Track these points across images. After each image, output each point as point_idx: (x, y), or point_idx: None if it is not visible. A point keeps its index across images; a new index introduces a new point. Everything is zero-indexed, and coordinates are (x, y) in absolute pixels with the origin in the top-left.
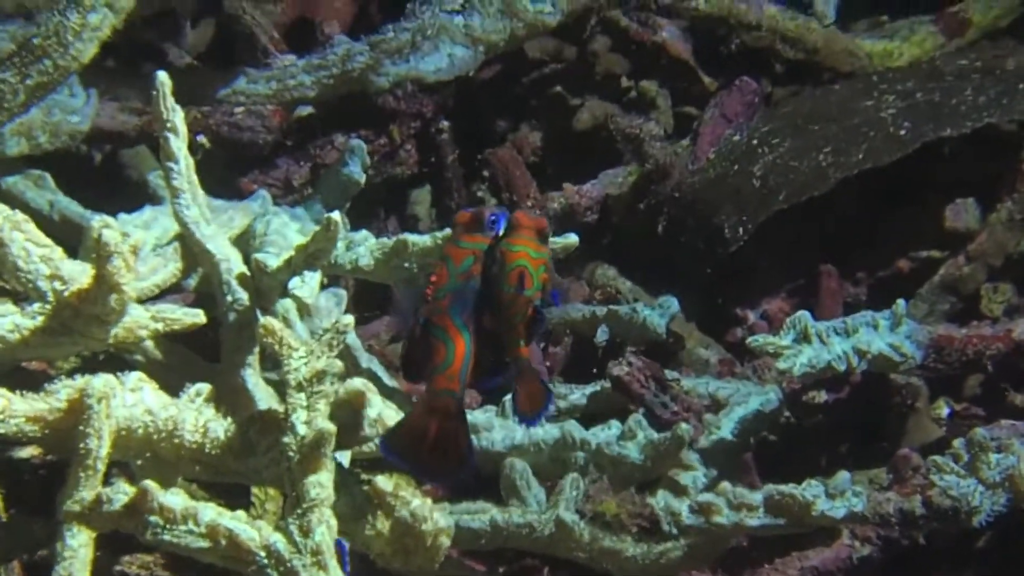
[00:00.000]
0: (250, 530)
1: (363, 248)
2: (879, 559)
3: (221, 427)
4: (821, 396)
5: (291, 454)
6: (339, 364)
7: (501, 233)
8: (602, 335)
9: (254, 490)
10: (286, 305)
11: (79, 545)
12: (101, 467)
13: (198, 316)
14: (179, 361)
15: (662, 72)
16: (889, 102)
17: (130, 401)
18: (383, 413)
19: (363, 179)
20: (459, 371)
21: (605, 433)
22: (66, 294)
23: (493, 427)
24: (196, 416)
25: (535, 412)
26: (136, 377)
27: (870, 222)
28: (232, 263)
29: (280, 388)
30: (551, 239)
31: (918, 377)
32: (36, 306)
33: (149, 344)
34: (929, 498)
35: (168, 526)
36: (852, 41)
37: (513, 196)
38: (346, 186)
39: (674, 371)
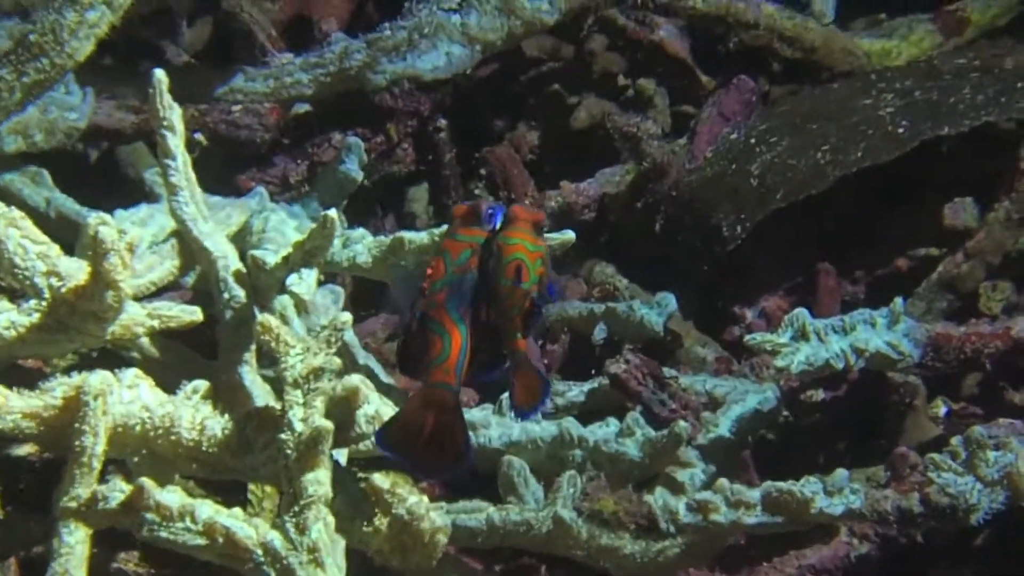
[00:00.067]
0: (247, 528)
1: (360, 246)
2: (877, 557)
3: (218, 424)
4: (819, 394)
5: (288, 451)
6: (336, 361)
7: (498, 226)
8: (600, 333)
9: (251, 487)
10: (283, 302)
11: (75, 542)
12: (97, 464)
13: (195, 313)
14: (176, 358)
15: (659, 71)
16: (887, 101)
17: (127, 398)
18: (380, 410)
19: (360, 177)
20: (455, 364)
21: (603, 430)
22: (63, 291)
23: (490, 424)
24: (193, 413)
25: (532, 405)
26: (133, 374)
27: (868, 220)
28: (229, 260)
29: (277, 385)
30: (548, 236)
31: (916, 375)
32: (32, 303)
33: (146, 341)
34: (927, 496)
35: (165, 523)
36: (850, 40)
37: (511, 194)
38: (343, 184)
39: (672, 369)
